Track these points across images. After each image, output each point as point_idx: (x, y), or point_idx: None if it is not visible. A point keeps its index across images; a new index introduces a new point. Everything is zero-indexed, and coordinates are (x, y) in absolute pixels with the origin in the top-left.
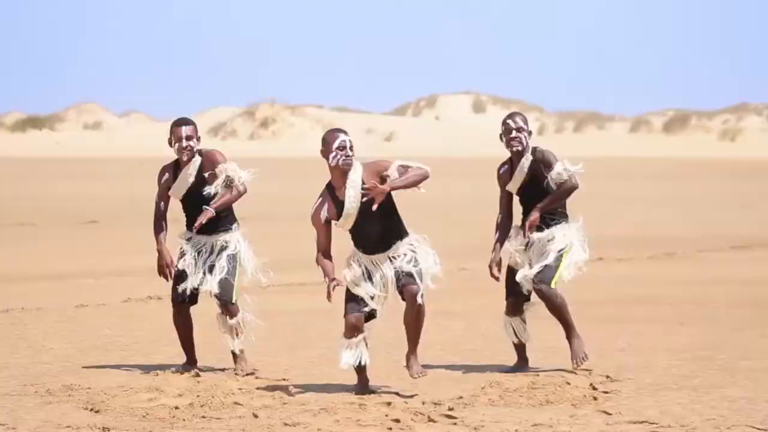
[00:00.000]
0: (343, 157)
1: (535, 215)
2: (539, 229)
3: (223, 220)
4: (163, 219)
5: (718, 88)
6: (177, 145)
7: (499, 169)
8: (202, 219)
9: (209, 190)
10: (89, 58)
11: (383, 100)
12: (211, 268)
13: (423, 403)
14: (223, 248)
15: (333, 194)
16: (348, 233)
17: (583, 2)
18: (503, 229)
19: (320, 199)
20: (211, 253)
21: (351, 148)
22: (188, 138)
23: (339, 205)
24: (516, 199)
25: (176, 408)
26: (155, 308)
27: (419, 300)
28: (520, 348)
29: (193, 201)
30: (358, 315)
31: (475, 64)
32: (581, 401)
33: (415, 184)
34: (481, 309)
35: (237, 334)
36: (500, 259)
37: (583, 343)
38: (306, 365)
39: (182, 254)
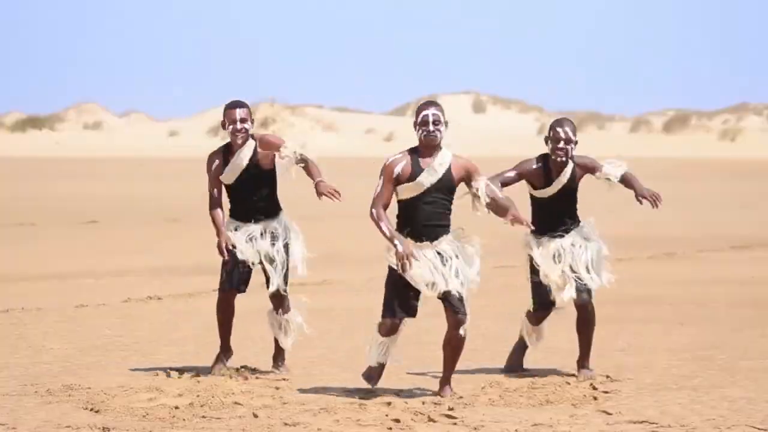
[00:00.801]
0: (425, 133)
1: (649, 192)
2: (562, 233)
3: (271, 206)
4: (220, 206)
5: (718, 88)
6: (231, 127)
7: (529, 167)
8: (333, 191)
9: (283, 166)
10: (89, 58)
11: (383, 100)
12: (269, 259)
13: (423, 403)
14: (274, 236)
15: (416, 157)
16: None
17: (583, 2)
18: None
19: (401, 154)
20: (263, 239)
21: (435, 123)
22: (242, 120)
23: (416, 171)
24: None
25: (176, 408)
26: (155, 308)
27: (462, 332)
28: (522, 349)
29: (245, 185)
30: (399, 319)
31: (475, 64)
32: (581, 401)
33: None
34: (481, 309)
35: (286, 333)
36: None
37: (594, 374)
38: (306, 365)
39: (232, 245)
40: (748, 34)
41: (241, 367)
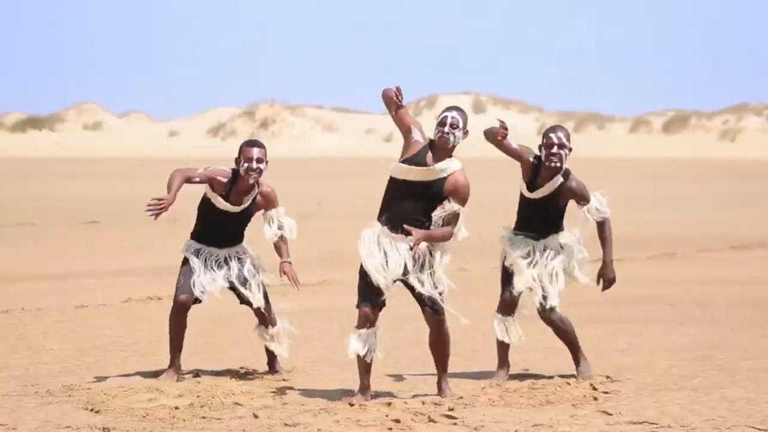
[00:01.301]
0: (440, 134)
1: (607, 272)
2: (541, 236)
3: (239, 238)
4: (188, 182)
5: (718, 88)
6: (246, 165)
7: (530, 154)
8: (291, 274)
9: (269, 231)
10: (89, 58)
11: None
12: (242, 281)
13: (423, 403)
14: (240, 260)
15: (427, 147)
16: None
17: (582, 2)
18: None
19: (425, 137)
20: (230, 261)
21: (453, 126)
22: (258, 161)
23: (418, 159)
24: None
25: (176, 408)
26: (155, 308)
27: (444, 330)
28: (504, 349)
29: (226, 219)
30: (372, 307)
31: (475, 64)
32: (581, 401)
33: (436, 240)
34: (481, 309)
35: (280, 343)
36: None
37: (590, 366)
38: (306, 365)
39: (187, 261)
40: (748, 34)
41: (240, 367)
